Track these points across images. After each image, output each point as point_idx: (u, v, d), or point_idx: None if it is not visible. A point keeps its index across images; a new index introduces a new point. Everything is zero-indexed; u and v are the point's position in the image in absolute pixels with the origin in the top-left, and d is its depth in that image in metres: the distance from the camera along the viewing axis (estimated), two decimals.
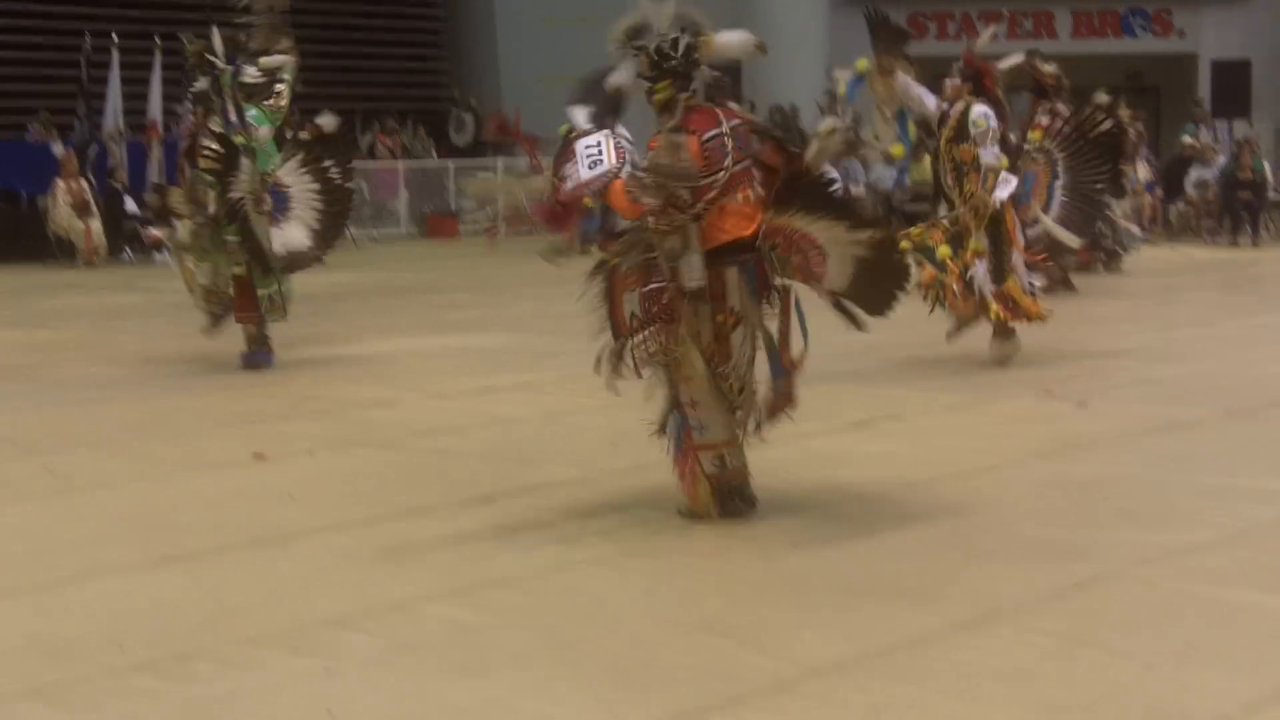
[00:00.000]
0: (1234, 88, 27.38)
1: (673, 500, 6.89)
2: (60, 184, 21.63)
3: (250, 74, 11.22)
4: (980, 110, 10.66)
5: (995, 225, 10.76)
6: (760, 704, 4.64)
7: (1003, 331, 11.01)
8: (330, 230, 11.54)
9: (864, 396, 9.30)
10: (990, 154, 10.61)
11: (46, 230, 21.81)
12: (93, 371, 11.55)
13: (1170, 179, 24.48)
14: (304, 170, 11.30)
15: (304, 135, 11.39)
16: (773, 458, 6.78)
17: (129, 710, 4.70)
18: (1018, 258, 10.83)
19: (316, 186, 11.34)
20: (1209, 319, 14.39)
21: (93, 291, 18.27)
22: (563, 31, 29.47)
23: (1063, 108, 15.77)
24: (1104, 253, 18.23)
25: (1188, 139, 22.15)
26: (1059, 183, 11.53)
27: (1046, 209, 11.44)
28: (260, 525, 6.77)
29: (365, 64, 29.47)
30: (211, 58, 11.20)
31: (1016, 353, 11.03)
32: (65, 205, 21.57)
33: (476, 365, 11.42)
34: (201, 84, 11.34)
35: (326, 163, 11.44)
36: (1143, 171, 24.28)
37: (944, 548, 6.32)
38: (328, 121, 11.51)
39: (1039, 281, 11.04)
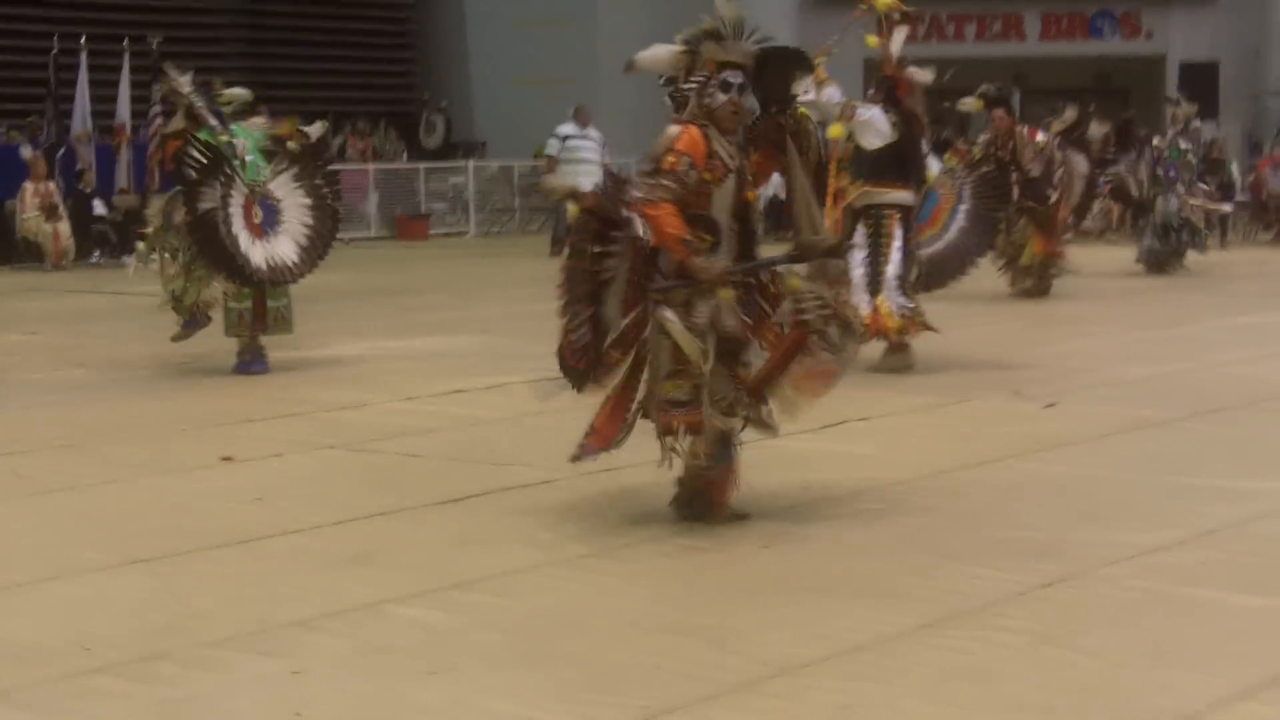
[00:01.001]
0: (1202, 89, 27.50)
1: (641, 501, 6.95)
2: (28, 187, 21.56)
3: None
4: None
5: (876, 235, 10.71)
6: (729, 703, 4.64)
7: (896, 344, 10.92)
8: (317, 248, 11.41)
9: (834, 397, 9.26)
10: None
11: (14, 233, 21.74)
12: (60, 374, 11.51)
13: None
14: (297, 186, 11.23)
15: (293, 146, 11.32)
16: (742, 459, 6.77)
17: (95, 712, 4.67)
18: (892, 272, 10.71)
19: (309, 202, 11.28)
20: (1177, 320, 14.43)
21: (60, 294, 18.20)
22: (533, 33, 29.52)
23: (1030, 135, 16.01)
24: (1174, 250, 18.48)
25: (1155, 141, 22.24)
26: (962, 207, 11.54)
27: (943, 232, 11.42)
28: (228, 527, 6.74)
29: (336, 66, 29.46)
30: (178, 90, 11.19)
31: (908, 367, 10.89)
32: (33, 208, 21.49)
33: (446, 367, 11.40)
34: (176, 122, 11.33)
35: (319, 180, 11.39)
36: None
37: (913, 548, 6.33)
38: (316, 129, 11.48)
39: (911, 304, 10.87)
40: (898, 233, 10.72)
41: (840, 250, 6.73)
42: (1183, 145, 18.60)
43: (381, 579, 5.97)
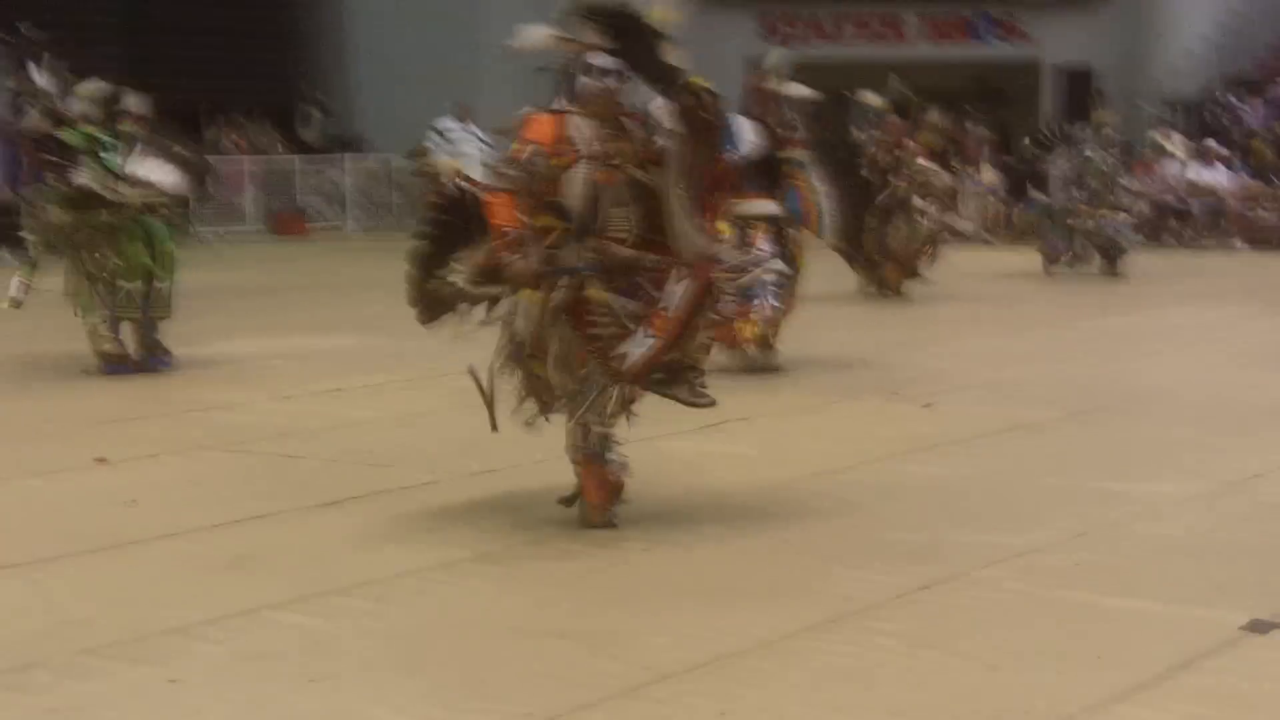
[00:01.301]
0: (1077, 93, 27.91)
1: (523, 503, 6.94)
2: None
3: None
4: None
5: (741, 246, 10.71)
6: (610, 709, 4.65)
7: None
8: (199, 175, 11.38)
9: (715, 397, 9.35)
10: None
11: None
12: None
13: (1016, 183, 24.79)
14: (151, 156, 11.15)
15: (128, 128, 11.23)
16: (625, 463, 6.77)
17: None
18: (762, 278, 10.68)
19: (164, 157, 11.21)
20: (1052, 322, 14.62)
21: None
22: (415, 26, 29.34)
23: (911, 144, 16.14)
24: (1103, 256, 18.60)
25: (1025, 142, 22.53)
26: (822, 187, 11.54)
27: (823, 218, 11.42)
28: (102, 531, 6.66)
29: (212, 57, 29.09)
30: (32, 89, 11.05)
31: (771, 366, 10.96)
32: None
33: (325, 367, 11.32)
34: (35, 120, 11.18)
35: (167, 141, 11.35)
36: (987, 176, 24.70)
37: (792, 550, 6.37)
38: (137, 103, 11.39)
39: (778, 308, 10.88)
40: (762, 243, 10.71)
41: (633, 264, 6.58)
42: (1088, 154, 18.75)
43: (260, 584, 5.92)
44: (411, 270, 6.88)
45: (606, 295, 6.46)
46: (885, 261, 15.90)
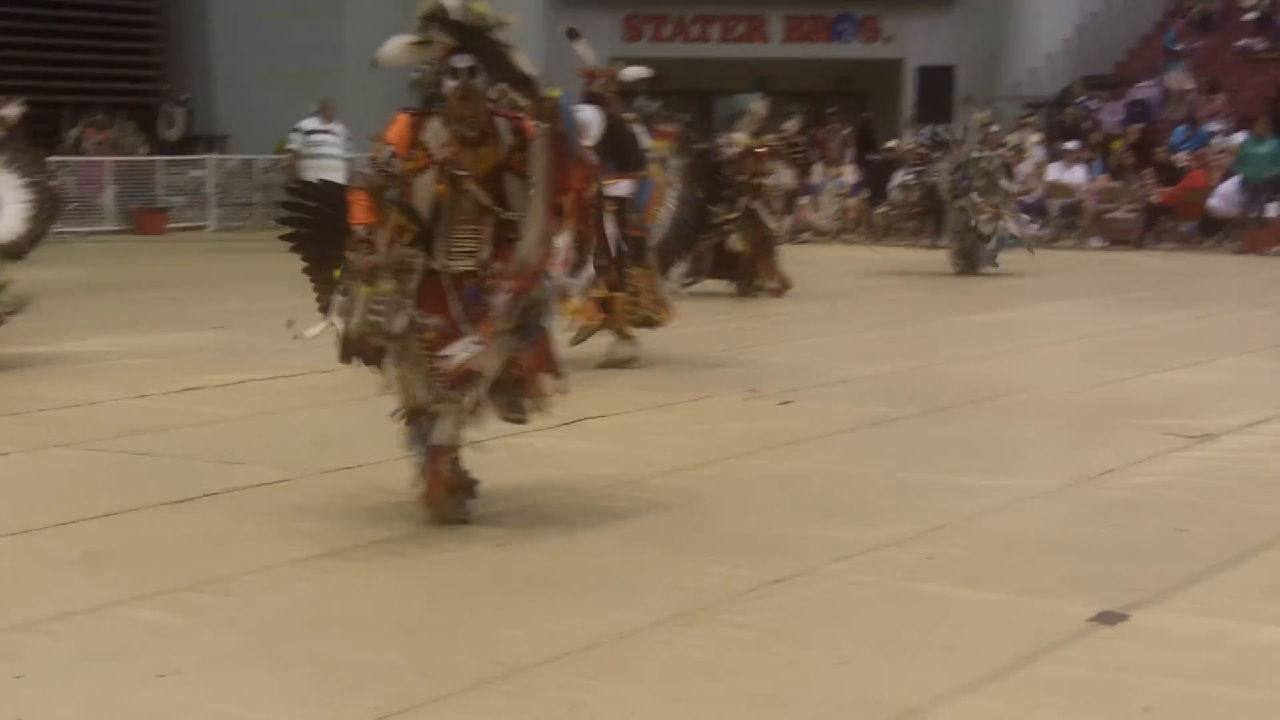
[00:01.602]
0: (937, 93, 28.28)
1: (377, 499, 6.90)
2: None
3: None
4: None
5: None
6: (460, 703, 4.64)
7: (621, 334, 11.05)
8: (41, 220, 11.23)
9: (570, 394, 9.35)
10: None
11: None
12: None
13: (877, 182, 25.02)
14: (8, 170, 11.00)
15: None
16: (478, 456, 6.76)
17: None
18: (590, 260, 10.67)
19: (23, 182, 11.06)
20: (911, 319, 14.74)
21: None
22: (278, 25, 29.16)
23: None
24: (963, 256, 18.70)
25: (891, 143, 22.72)
26: (673, 193, 11.63)
27: (662, 218, 11.47)
28: None
29: (74, 55, 28.76)
30: None
31: (631, 358, 11.03)
32: None
33: (182, 364, 11.18)
34: None
35: (29, 161, 11.20)
36: (849, 174, 24.91)
37: (647, 544, 6.38)
38: (11, 112, 11.23)
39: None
40: (607, 223, 10.69)
41: (404, 264, 6.50)
42: (974, 154, 18.90)
43: (110, 580, 5.84)
44: (314, 281, 6.95)
45: (378, 289, 6.43)
46: (748, 260, 16.00)
